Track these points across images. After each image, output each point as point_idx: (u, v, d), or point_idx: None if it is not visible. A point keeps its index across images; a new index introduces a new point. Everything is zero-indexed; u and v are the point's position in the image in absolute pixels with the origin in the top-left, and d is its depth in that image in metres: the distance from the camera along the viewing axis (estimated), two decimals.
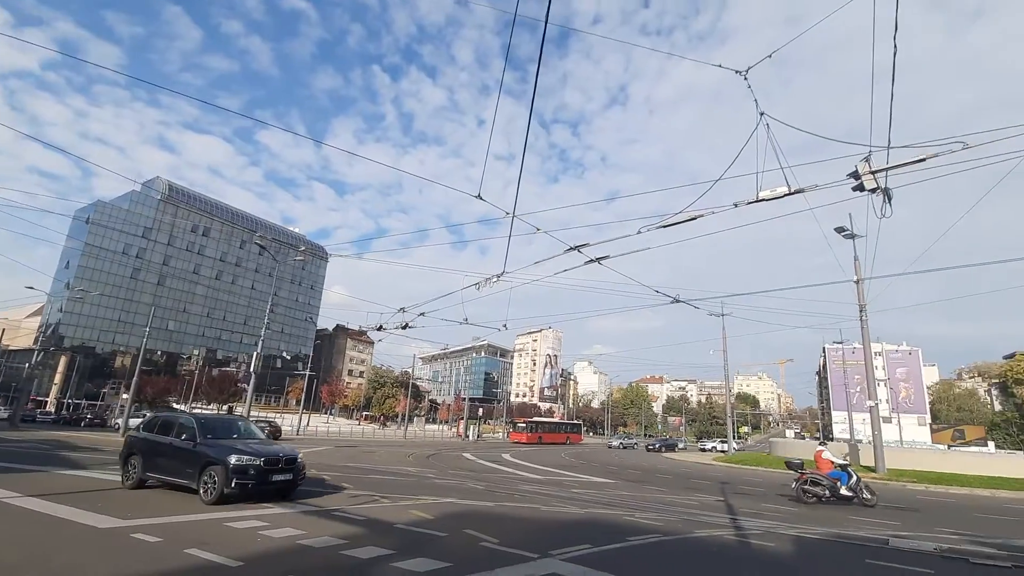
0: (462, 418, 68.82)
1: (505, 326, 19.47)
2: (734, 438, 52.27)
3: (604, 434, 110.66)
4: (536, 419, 68.75)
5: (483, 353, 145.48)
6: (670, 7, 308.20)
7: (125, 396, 39.94)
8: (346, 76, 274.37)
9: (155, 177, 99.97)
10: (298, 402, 70.36)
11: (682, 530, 8.84)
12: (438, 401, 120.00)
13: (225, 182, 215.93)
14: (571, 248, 9.68)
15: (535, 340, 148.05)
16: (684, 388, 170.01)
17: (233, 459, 9.34)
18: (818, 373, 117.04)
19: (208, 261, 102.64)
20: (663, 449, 53.02)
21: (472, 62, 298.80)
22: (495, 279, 12.66)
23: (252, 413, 41.02)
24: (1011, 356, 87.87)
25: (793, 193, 7.21)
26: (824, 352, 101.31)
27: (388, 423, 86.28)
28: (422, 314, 16.56)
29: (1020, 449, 71.81)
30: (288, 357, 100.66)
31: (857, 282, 24.21)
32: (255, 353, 27.28)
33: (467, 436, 61.50)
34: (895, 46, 6.01)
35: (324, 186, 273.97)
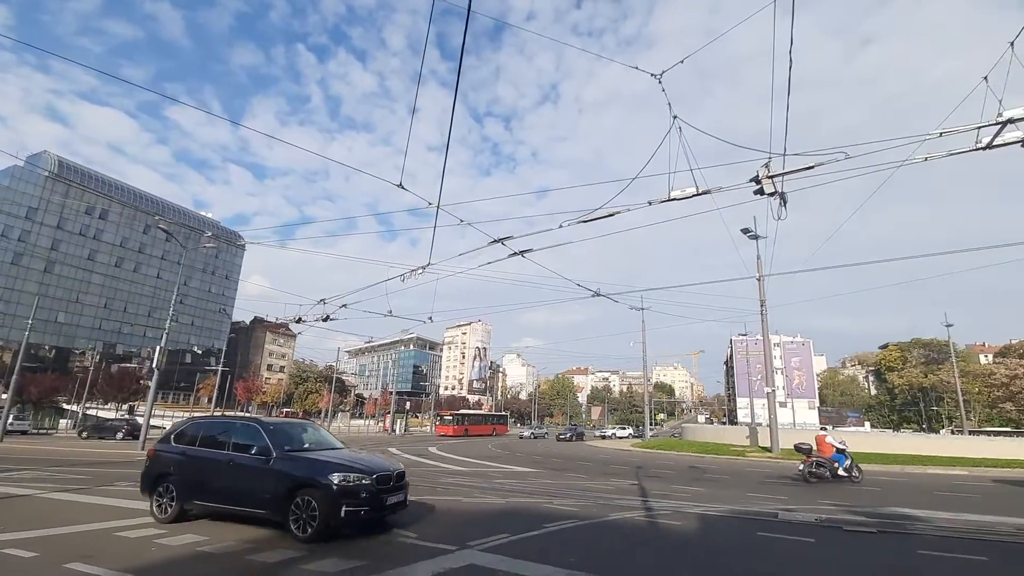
0: (389, 412, 67.47)
1: (431, 318, 19.15)
2: (650, 425, 54.79)
3: (531, 424, 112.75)
4: (463, 411, 68.61)
5: (412, 346, 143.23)
6: (601, 10, 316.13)
7: (4, 396, 35.41)
8: (268, 53, 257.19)
9: (42, 151, 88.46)
10: (210, 400, 65.83)
11: (597, 514, 9.16)
12: (365, 395, 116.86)
13: (128, 161, 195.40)
14: (495, 240, 9.69)
15: (464, 333, 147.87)
16: (607, 379, 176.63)
17: (336, 478, 6.86)
18: (726, 363, 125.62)
19: (106, 247, 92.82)
20: (573, 438, 54.31)
21: (404, 48, 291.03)
22: (420, 271, 12.43)
23: (155, 412, 37.84)
24: (885, 347, 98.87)
25: (701, 194, 7.61)
26: (731, 344, 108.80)
27: (311, 420, 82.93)
28: (344, 306, 15.96)
29: (890, 427, 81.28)
30: (199, 351, 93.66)
31: (759, 279, 26.16)
32: (159, 347, 25.09)
33: (394, 430, 60.40)
34: (791, 60, 6.48)
35: (242, 169, 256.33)
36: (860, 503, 11.28)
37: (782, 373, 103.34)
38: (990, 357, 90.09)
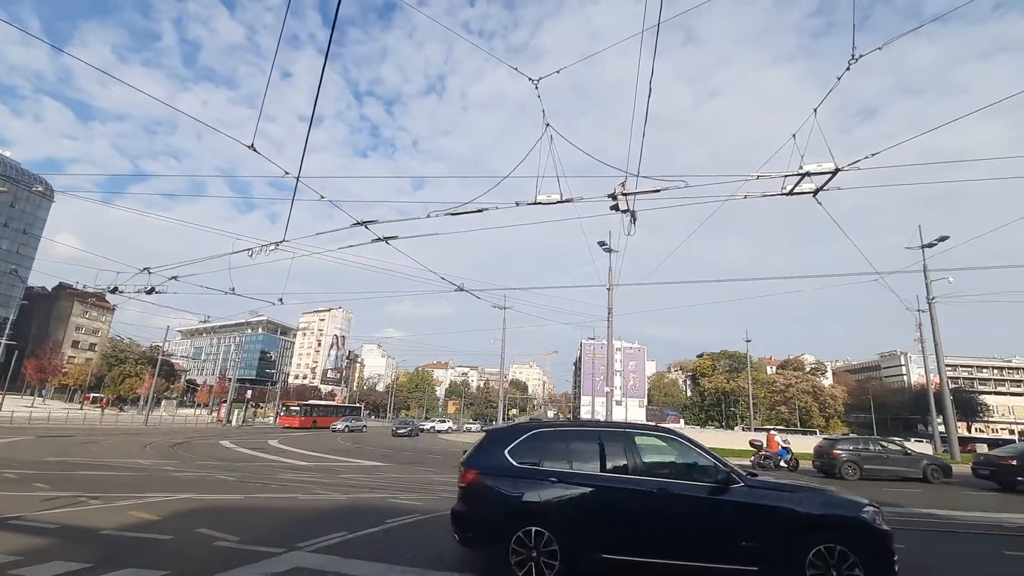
0: (225, 401, 60.71)
1: (280, 300, 17.41)
2: (504, 419, 56.62)
3: (387, 417, 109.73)
4: (312, 402, 64.16)
5: (261, 330, 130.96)
6: (493, 12, 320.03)
7: None
8: None
9: None
10: None
11: (441, 508, 9.07)
12: (198, 382, 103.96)
13: None
14: (358, 223, 9.12)
15: (323, 319, 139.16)
16: (467, 374, 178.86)
17: (870, 514, 4.88)
18: (575, 364, 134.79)
19: None
20: (414, 433, 49.17)
21: (280, 3, 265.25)
22: (272, 247, 11.23)
23: None
24: (700, 356, 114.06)
25: (564, 201, 7.95)
26: (581, 346, 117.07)
27: (125, 407, 71.30)
28: (174, 278, 13.83)
29: (699, 424, 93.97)
30: None
31: (609, 289, 28.39)
32: None
33: (229, 421, 54.45)
34: (649, 89, 7.05)
35: (60, 105, 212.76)
36: None
37: (621, 375, 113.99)
38: (774, 368, 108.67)
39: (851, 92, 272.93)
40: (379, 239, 9.45)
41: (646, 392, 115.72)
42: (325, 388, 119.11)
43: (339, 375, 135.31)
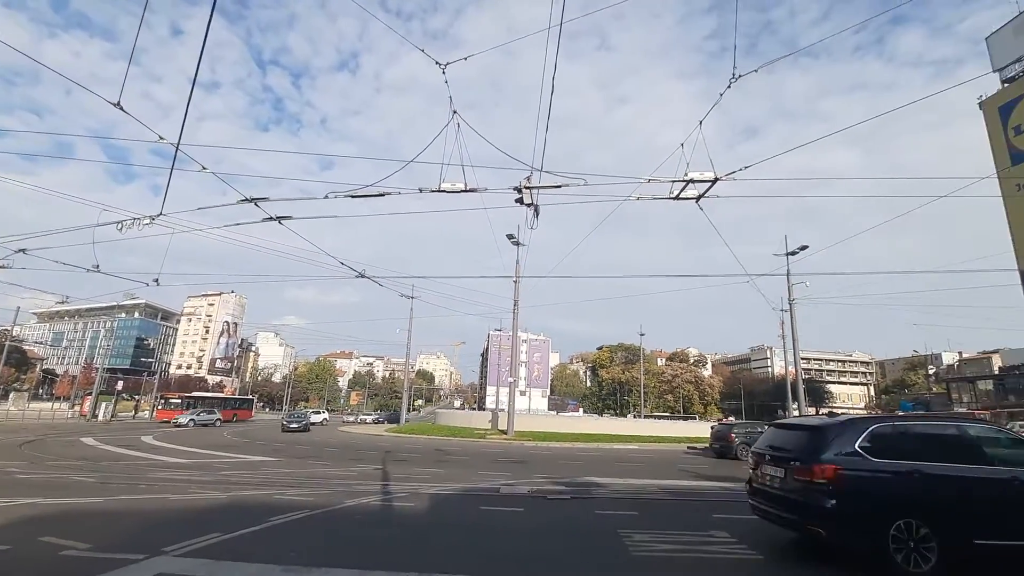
0: (91, 393, 53.75)
1: (157, 281, 15.54)
2: (408, 410, 55.69)
3: (283, 410, 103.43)
4: (196, 394, 58.77)
5: (137, 314, 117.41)
6: None
7: None
8: None
9: None
10: None
11: (333, 502, 8.74)
12: (58, 372, 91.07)
13: None
14: (247, 200, 8.42)
15: (212, 304, 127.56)
16: (372, 364, 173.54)
17: None
18: (482, 354, 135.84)
19: None
20: (306, 428, 39.13)
21: None
22: (148, 220, 10.03)
23: None
24: (600, 348, 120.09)
25: (468, 190, 7.95)
26: (488, 337, 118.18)
27: None
28: (22, 251, 11.89)
29: (598, 413, 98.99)
30: None
31: (515, 281, 28.93)
32: None
33: (95, 416, 48.29)
34: (552, 86, 7.23)
35: None
36: (565, 475, 13.29)
37: (526, 366, 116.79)
38: (664, 360, 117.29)
39: (738, 112, 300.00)
40: (271, 218, 8.81)
41: (549, 382, 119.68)
42: (213, 379, 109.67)
43: (230, 365, 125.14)
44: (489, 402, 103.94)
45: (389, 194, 8.08)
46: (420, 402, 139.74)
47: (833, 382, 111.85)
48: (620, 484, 11.69)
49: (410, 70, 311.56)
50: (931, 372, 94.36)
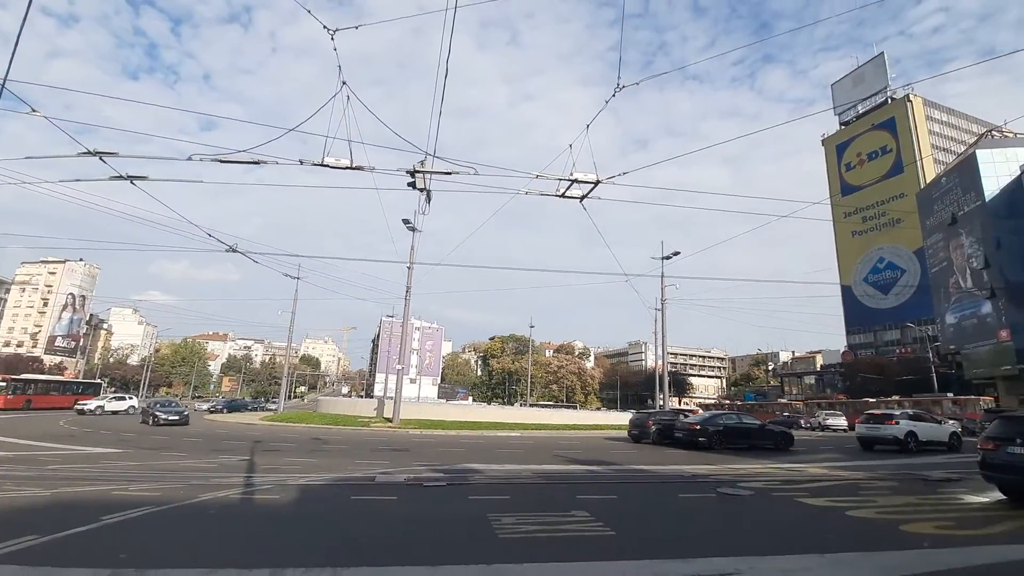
0: None
1: None
2: (289, 396, 52.30)
3: (140, 396, 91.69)
4: (28, 376, 49.97)
5: None
6: None
7: None
8: None
9: None
10: None
11: (183, 497, 7.94)
12: None
13: None
14: (90, 153, 7.25)
15: (53, 273, 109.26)
16: (250, 348, 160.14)
17: None
18: (373, 341, 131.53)
19: None
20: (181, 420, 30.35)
21: None
22: None
23: None
24: (492, 338, 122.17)
25: (355, 168, 7.58)
26: (381, 323, 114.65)
27: None
28: None
29: (487, 402, 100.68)
30: None
31: (408, 267, 28.34)
32: None
33: None
34: (446, 70, 7.13)
35: None
36: (446, 463, 13.35)
37: (417, 353, 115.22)
38: (552, 352, 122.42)
39: (631, 125, 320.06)
40: (121, 177, 7.68)
41: (440, 371, 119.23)
42: (53, 359, 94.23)
43: (74, 344, 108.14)
44: (378, 390, 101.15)
45: (264, 163, 7.45)
46: (303, 389, 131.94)
47: (695, 375, 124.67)
48: (498, 470, 12.01)
49: (310, 34, 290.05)
50: (770, 368, 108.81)
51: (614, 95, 7.37)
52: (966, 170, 53.61)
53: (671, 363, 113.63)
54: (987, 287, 49.51)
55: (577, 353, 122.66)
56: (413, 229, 27.54)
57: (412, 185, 8.74)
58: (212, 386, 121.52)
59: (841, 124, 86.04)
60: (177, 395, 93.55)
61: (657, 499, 9.23)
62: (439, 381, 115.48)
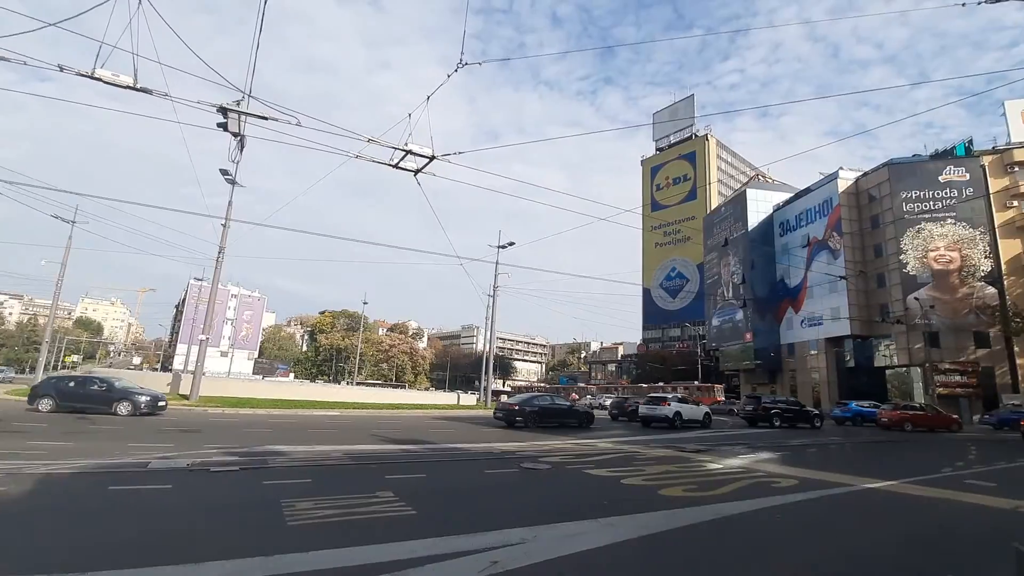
0: None
1: None
2: (54, 367, 42.03)
3: None
4: None
5: None
6: None
7: None
8: None
9: None
10: None
11: None
12: None
13: None
14: None
15: None
16: (3, 303, 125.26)
17: None
18: (177, 306, 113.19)
19: None
20: None
21: None
22: None
23: None
24: (323, 312, 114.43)
25: (140, 89, 6.16)
26: (188, 286, 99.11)
27: None
28: None
29: (311, 380, 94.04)
30: None
31: (224, 224, 24.74)
32: None
33: None
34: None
35: None
36: (246, 444, 11.94)
37: (232, 324, 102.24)
38: (386, 330, 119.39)
39: (487, 117, 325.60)
40: None
41: (259, 344, 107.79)
42: None
43: None
44: (178, 363, 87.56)
45: (7, 60, 5.60)
46: (75, 359, 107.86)
47: (519, 360, 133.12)
48: (305, 452, 11.15)
49: None
50: (583, 356, 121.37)
51: (456, 71, 7.33)
52: (739, 204, 66.05)
53: (499, 348, 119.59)
54: (741, 299, 61.92)
55: (411, 333, 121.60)
56: (233, 182, 24.02)
57: (224, 127, 7.50)
58: None
59: (657, 149, 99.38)
60: None
61: (465, 476, 9.48)
62: (257, 356, 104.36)
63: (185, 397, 25.27)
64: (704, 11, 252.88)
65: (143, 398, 18.67)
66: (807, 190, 58.18)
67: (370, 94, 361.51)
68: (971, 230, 43.45)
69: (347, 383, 73.60)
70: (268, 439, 13.24)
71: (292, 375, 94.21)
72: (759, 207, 63.57)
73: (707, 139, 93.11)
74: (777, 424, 27.27)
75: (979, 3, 7.15)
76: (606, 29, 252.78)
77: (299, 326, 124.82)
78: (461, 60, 7.15)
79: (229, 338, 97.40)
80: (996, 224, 43.12)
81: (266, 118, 6.76)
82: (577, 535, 5.62)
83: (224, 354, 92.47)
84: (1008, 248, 42.55)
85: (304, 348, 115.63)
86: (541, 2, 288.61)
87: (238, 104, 7.56)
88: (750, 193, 65.65)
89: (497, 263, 33.16)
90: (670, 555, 5.27)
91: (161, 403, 19.41)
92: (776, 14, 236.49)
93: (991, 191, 43.50)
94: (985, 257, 42.69)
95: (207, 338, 25.50)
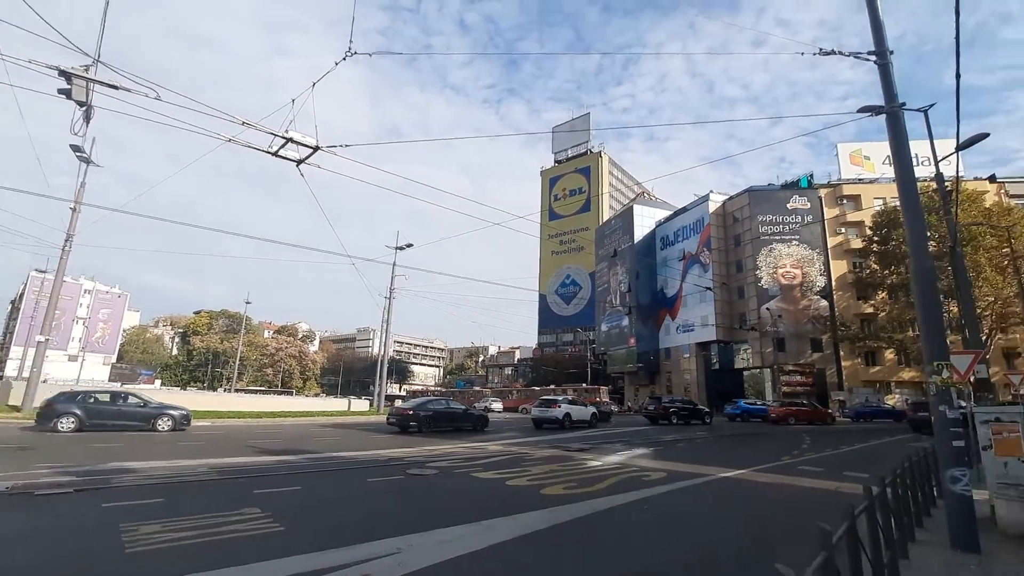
0: None
1: None
2: None
3: None
4: None
5: None
6: None
7: None
8: None
9: None
10: None
11: None
12: None
13: None
14: None
15: None
16: None
17: None
18: (13, 302, 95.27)
19: None
20: None
21: None
22: None
23: None
24: (199, 312, 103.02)
25: None
26: (28, 279, 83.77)
27: None
28: None
29: (182, 387, 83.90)
30: None
31: (73, 208, 21.30)
32: None
33: None
34: None
35: None
36: (86, 462, 10.29)
37: (85, 324, 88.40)
38: (272, 333, 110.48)
39: (393, 116, 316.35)
40: None
41: (118, 347, 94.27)
42: None
43: None
44: (11, 368, 73.62)
45: None
46: None
47: (416, 363, 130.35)
48: (163, 468, 9.88)
49: None
50: (480, 359, 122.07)
51: (344, 59, 7.00)
52: (627, 218, 70.98)
53: (396, 351, 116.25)
54: (627, 306, 66.48)
55: (301, 336, 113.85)
56: (86, 160, 20.81)
57: (67, 93, 6.43)
58: None
59: (556, 161, 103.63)
60: None
61: (344, 486, 9.00)
62: (115, 360, 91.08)
63: (16, 408, 21.27)
64: (601, 36, 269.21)
65: None
66: (684, 209, 64.15)
67: (264, 80, 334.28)
68: (810, 251, 50.82)
69: (224, 390, 66.89)
70: (118, 455, 11.54)
71: (159, 382, 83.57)
72: (644, 222, 68.82)
73: (600, 155, 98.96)
74: (675, 421, 29.23)
75: (815, 54, 8.39)
76: (512, 42, 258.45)
77: (169, 327, 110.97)
78: (350, 49, 6.83)
79: (80, 340, 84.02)
80: (829, 247, 50.88)
81: (116, 87, 5.88)
82: (454, 540, 5.58)
83: (73, 358, 79.38)
84: (837, 267, 50.39)
85: (175, 352, 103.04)
86: (449, 6, 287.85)
87: (87, 70, 6.55)
88: (637, 209, 70.84)
89: (395, 264, 32.21)
90: (541, 554, 5.43)
91: None
92: (664, 46, 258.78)
93: (826, 218, 51.37)
94: (820, 274, 50.14)
95: (47, 339, 21.72)
